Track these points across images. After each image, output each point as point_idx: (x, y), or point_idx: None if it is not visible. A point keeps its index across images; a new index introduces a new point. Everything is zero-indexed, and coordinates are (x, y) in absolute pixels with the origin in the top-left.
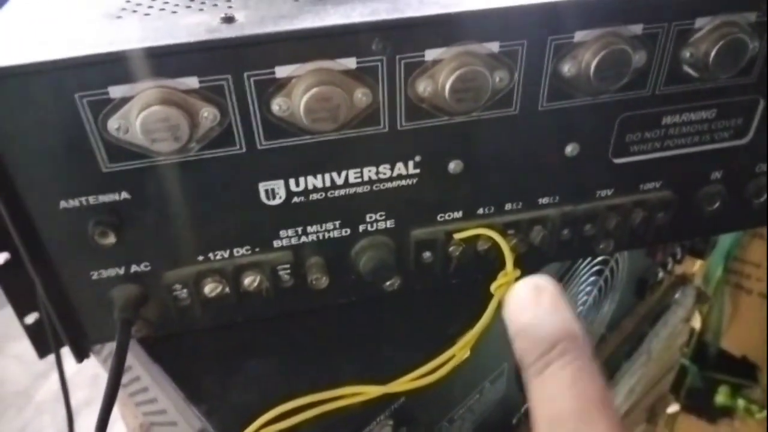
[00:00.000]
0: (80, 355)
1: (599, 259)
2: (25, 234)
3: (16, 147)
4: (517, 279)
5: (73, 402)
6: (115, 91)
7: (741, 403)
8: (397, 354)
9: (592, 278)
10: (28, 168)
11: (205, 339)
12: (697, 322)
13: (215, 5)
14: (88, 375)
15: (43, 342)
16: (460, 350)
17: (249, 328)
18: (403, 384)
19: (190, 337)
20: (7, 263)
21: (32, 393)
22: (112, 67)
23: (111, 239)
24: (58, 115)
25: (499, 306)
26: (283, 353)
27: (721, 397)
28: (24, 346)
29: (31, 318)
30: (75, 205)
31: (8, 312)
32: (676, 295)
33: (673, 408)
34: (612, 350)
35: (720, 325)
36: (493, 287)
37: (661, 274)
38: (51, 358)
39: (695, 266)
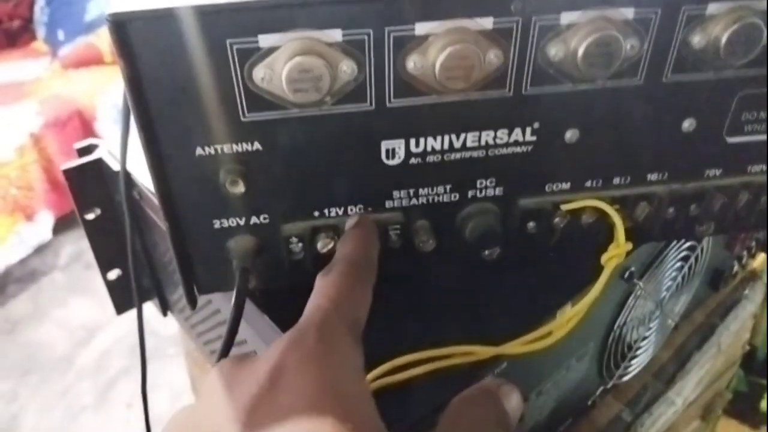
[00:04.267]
0: (193, 303)
1: (687, 245)
2: (160, 179)
3: (162, 92)
4: (628, 252)
5: (112, 370)
6: (264, 40)
7: None
8: (496, 320)
9: (679, 264)
10: (171, 114)
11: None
12: None
13: None
14: (126, 344)
15: (123, 298)
16: (569, 319)
17: None
18: (515, 347)
19: (297, 291)
20: (97, 218)
21: (73, 359)
22: (264, 15)
23: (241, 188)
24: (207, 60)
25: (609, 277)
26: (392, 311)
27: (766, 403)
28: (66, 313)
29: (113, 274)
30: (210, 152)
31: (51, 279)
32: (746, 291)
33: None
34: (684, 340)
35: None
36: (603, 259)
37: (735, 268)
38: (89, 325)
39: (758, 262)
